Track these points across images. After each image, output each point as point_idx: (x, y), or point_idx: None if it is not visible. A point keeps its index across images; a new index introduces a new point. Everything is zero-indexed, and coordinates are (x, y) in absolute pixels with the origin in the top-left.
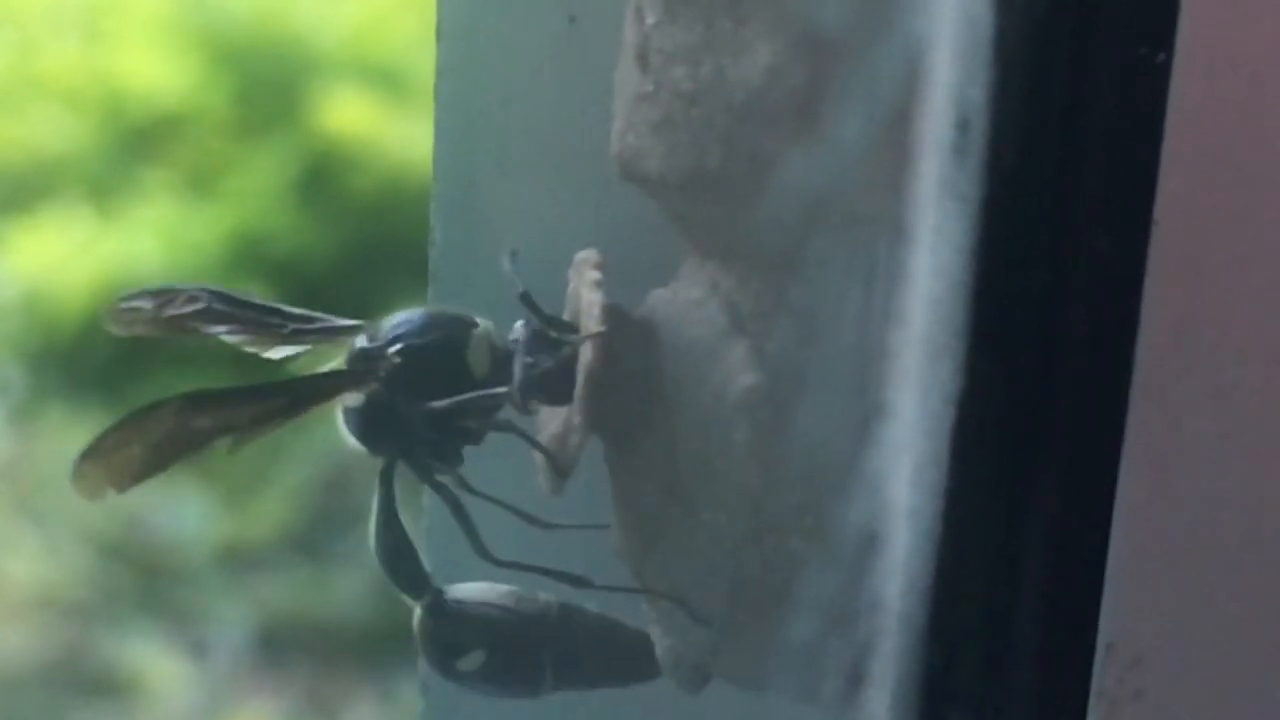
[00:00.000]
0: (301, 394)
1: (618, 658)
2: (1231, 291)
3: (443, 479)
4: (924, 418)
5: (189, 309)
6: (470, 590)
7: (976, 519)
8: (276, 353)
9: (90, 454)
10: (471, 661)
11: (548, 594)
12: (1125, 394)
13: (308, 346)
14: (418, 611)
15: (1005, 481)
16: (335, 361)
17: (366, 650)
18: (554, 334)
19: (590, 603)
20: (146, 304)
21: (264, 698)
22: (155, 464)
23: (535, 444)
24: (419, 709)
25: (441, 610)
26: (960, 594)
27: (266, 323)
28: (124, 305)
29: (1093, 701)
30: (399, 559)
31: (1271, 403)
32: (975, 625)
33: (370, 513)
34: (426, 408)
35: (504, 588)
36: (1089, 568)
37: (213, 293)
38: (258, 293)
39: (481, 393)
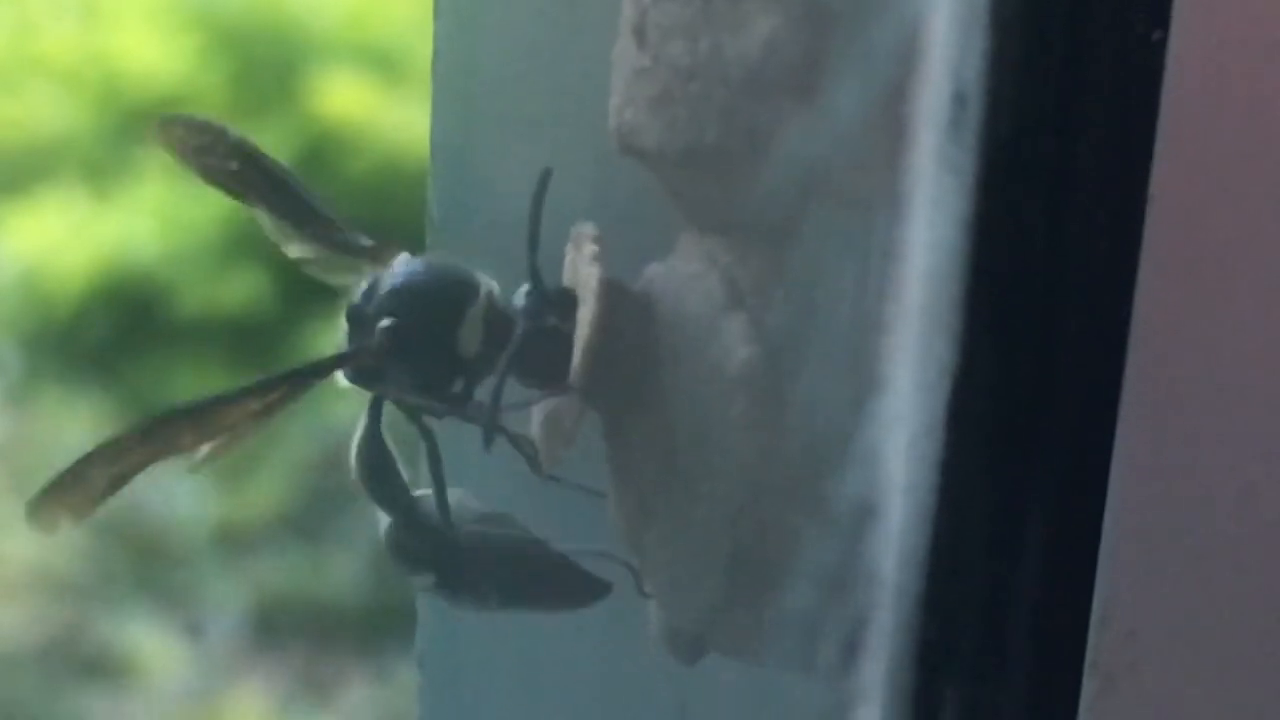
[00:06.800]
0: (287, 385)
1: (557, 590)
2: (1228, 266)
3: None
4: (920, 390)
5: (222, 164)
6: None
7: (972, 492)
8: (292, 250)
9: (49, 490)
10: (423, 581)
11: (514, 525)
12: (1121, 367)
13: (324, 252)
14: (386, 522)
15: (1000, 454)
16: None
17: (362, 631)
18: (552, 321)
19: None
20: (190, 137)
21: (259, 678)
22: (116, 485)
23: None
24: (415, 683)
25: (407, 528)
26: (955, 566)
27: (289, 212)
28: (170, 124)
29: (1087, 674)
30: (378, 478)
31: (1269, 377)
32: (970, 597)
33: (355, 430)
34: (409, 384)
35: (475, 506)
36: (1084, 541)
37: (250, 158)
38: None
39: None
